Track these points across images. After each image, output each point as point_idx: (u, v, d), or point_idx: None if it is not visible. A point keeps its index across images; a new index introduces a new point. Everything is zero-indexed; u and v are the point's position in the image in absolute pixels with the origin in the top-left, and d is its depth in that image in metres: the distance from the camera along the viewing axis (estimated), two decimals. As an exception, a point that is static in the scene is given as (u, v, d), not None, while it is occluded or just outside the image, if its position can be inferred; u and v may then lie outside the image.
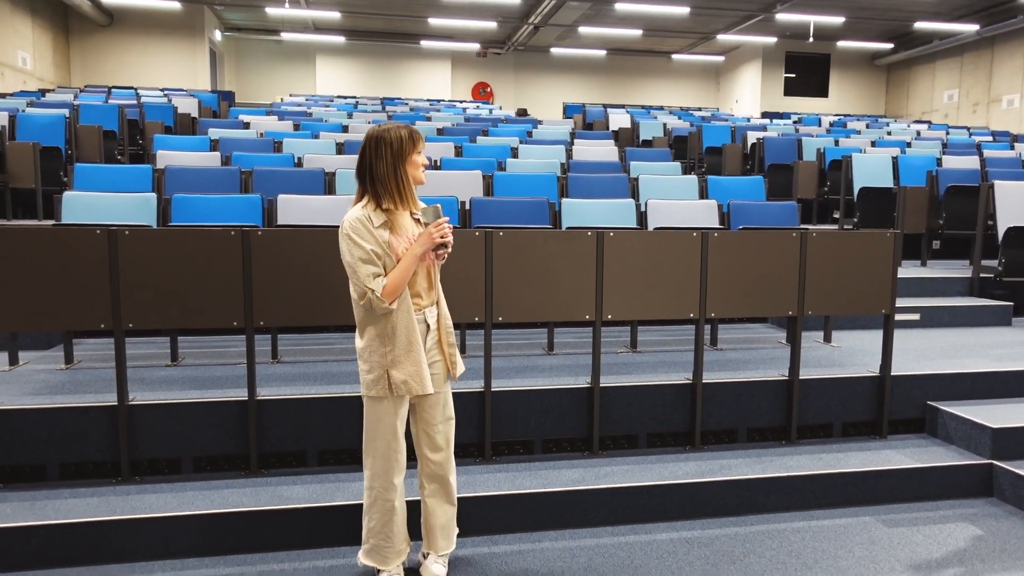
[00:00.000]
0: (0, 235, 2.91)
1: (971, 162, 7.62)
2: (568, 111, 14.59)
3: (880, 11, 15.60)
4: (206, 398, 3.23)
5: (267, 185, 5.02)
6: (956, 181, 6.50)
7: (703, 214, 4.85)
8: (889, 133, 11.24)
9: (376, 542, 2.52)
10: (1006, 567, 2.79)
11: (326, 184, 5.24)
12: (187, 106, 10.50)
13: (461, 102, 15.97)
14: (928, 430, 3.84)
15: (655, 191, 5.48)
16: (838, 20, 16.09)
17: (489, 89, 20.87)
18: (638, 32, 17.75)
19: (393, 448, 2.47)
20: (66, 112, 7.51)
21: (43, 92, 11.72)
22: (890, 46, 18.47)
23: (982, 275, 5.72)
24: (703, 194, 5.58)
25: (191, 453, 3.19)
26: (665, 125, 10.88)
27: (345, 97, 15.45)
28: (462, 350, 4.23)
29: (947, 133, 11.69)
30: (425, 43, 18.93)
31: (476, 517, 2.98)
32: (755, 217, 4.82)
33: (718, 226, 4.82)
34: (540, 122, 10.95)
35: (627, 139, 11.08)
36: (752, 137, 9.19)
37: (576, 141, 8.46)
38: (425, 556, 2.65)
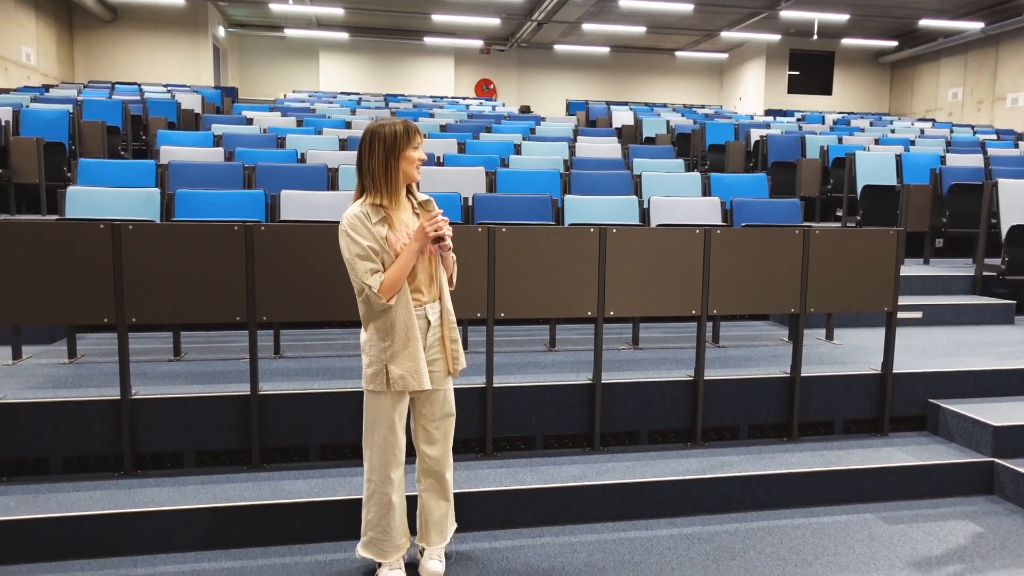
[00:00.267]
0: (5, 229, 2.92)
1: (975, 160, 7.60)
2: (571, 108, 14.58)
3: (884, 8, 15.56)
4: (208, 393, 3.24)
5: (270, 181, 5.03)
6: (960, 179, 6.49)
7: (706, 211, 4.84)
8: (893, 131, 11.22)
9: (374, 535, 2.54)
10: (1006, 564, 2.79)
11: (329, 180, 5.25)
12: (190, 102, 10.51)
13: (464, 99, 15.97)
14: (929, 428, 3.84)
15: (658, 188, 5.48)
16: (842, 18, 16.05)
17: (492, 86, 20.86)
18: (642, 29, 17.74)
19: (390, 442, 2.48)
20: (70, 108, 7.53)
21: (47, 88, 11.75)
22: (894, 44, 18.43)
23: (985, 273, 5.71)
24: (706, 191, 5.57)
25: (193, 447, 3.20)
26: (668, 122, 10.87)
27: (348, 93, 15.46)
28: (464, 346, 4.23)
29: (951, 131, 11.66)
30: (428, 40, 18.93)
31: (477, 512, 2.99)
32: (758, 214, 4.81)
33: (721, 223, 4.82)
34: (543, 119, 10.95)
35: (630, 136, 11.08)
36: (755, 135, 9.18)
37: (579, 138, 8.46)
38: (422, 551, 2.66)
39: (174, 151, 5.84)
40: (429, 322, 2.50)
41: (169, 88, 12.39)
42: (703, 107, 16.07)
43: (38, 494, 2.89)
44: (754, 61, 19.75)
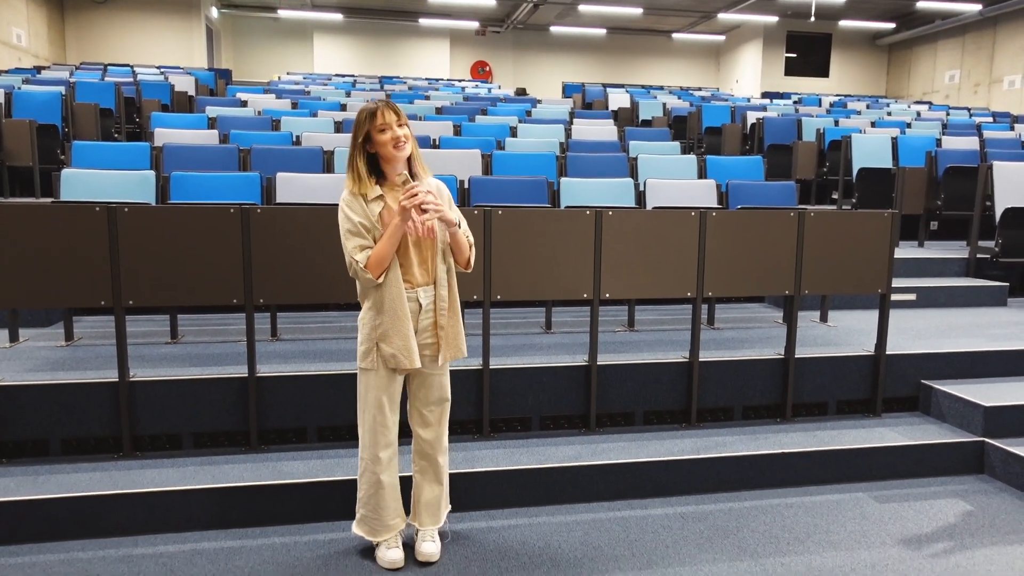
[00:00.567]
0: (1, 212, 2.92)
1: (971, 143, 7.60)
2: (567, 90, 14.51)
3: (882, -10, 15.48)
4: (206, 375, 3.26)
5: (265, 163, 5.01)
6: (955, 162, 6.50)
7: (702, 194, 4.85)
8: (889, 114, 11.19)
9: (365, 512, 2.58)
10: (995, 542, 2.84)
11: (324, 162, 5.23)
12: (184, 84, 10.44)
13: (460, 81, 15.88)
14: (922, 408, 3.88)
15: (654, 171, 5.48)
16: (840, -1, 15.97)
17: (488, 68, 20.73)
18: (638, 11, 17.62)
19: (379, 421, 2.50)
20: (62, 90, 7.47)
21: (38, 69, 11.64)
22: (892, 26, 18.36)
23: (979, 256, 5.74)
24: (702, 174, 5.58)
25: (191, 429, 3.22)
26: (665, 105, 10.84)
27: (343, 75, 15.35)
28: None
29: (947, 114, 11.65)
30: (424, 21, 18.77)
31: (474, 492, 3.02)
32: (754, 197, 4.82)
33: (716, 206, 4.83)
34: (539, 101, 10.90)
35: (626, 119, 11.04)
36: (752, 117, 9.16)
37: (575, 121, 8.43)
38: (417, 532, 2.69)
39: (168, 133, 5.81)
40: (421, 305, 2.50)
41: (162, 70, 12.29)
42: (700, 89, 16.01)
43: (37, 475, 2.91)
44: (751, 43, 19.65)
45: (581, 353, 3.73)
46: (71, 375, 3.24)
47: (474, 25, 19.64)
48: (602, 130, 7.59)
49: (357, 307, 2.60)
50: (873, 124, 9.12)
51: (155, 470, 2.99)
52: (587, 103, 12.70)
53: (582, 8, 17.39)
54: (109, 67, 12.32)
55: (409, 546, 2.67)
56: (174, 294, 3.10)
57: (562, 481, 3.11)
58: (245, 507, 2.85)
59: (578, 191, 4.72)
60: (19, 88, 7.64)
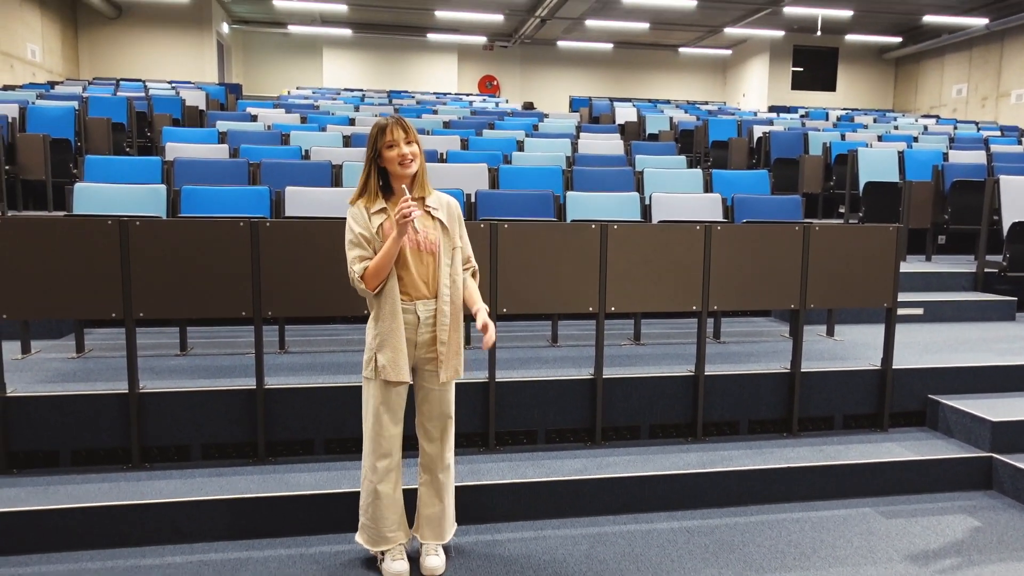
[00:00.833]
0: (15, 225, 2.97)
1: (978, 157, 7.61)
2: (574, 104, 14.59)
3: (888, 4, 15.53)
4: (215, 387, 3.28)
5: (275, 177, 5.07)
6: (962, 176, 6.50)
7: (707, 207, 4.87)
8: (896, 127, 11.21)
9: (364, 520, 2.61)
10: (1003, 558, 2.83)
11: (333, 176, 5.28)
12: (195, 99, 10.55)
13: (467, 95, 15.99)
14: (929, 423, 3.86)
15: (660, 184, 5.50)
16: (846, 14, 16.03)
17: (496, 82, 20.86)
18: (645, 25, 17.72)
19: (376, 431, 2.53)
20: (75, 104, 7.57)
21: (52, 84, 11.80)
22: (899, 40, 18.40)
23: (987, 270, 5.73)
24: (708, 188, 5.60)
25: (200, 440, 3.25)
26: (671, 119, 10.88)
27: (352, 90, 15.49)
28: (467, 341, 4.27)
29: (955, 128, 11.65)
30: (432, 36, 18.93)
31: (479, 505, 3.03)
32: (759, 211, 4.84)
33: (722, 220, 4.84)
34: (546, 116, 10.96)
35: (633, 133, 11.09)
36: (758, 131, 9.19)
37: (582, 135, 8.48)
38: (423, 546, 2.70)
39: (179, 148, 5.88)
40: (419, 318, 2.52)
41: (173, 85, 12.44)
42: (706, 103, 16.06)
43: (48, 486, 2.94)
44: (758, 57, 19.73)
45: (587, 366, 3.74)
46: (82, 387, 3.27)
47: (482, 40, 19.79)
48: (608, 144, 7.63)
49: (364, 320, 2.63)
50: (880, 138, 9.14)
51: (164, 481, 3.02)
52: (594, 117, 12.76)
53: (589, 23, 17.51)
54: (121, 82, 12.47)
55: (415, 559, 2.67)
56: (184, 307, 3.14)
57: (567, 495, 3.11)
58: (252, 518, 2.87)
59: (584, 205, 4.75)
60: (33, 103, 7.75)
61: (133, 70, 16.20)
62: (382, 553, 2.63)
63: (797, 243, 3.63)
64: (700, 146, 9.79)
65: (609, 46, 20.43)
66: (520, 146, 7.19)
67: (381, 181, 2.53)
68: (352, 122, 8.45)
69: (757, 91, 19.74)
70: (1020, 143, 9.34)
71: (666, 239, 3.51)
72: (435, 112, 10.37)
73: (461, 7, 16.35)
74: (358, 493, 2.70)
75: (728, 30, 17.82)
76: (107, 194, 4.15)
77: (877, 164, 7.23)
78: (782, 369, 3.78)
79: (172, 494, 2.88)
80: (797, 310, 3.68)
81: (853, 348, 4.32)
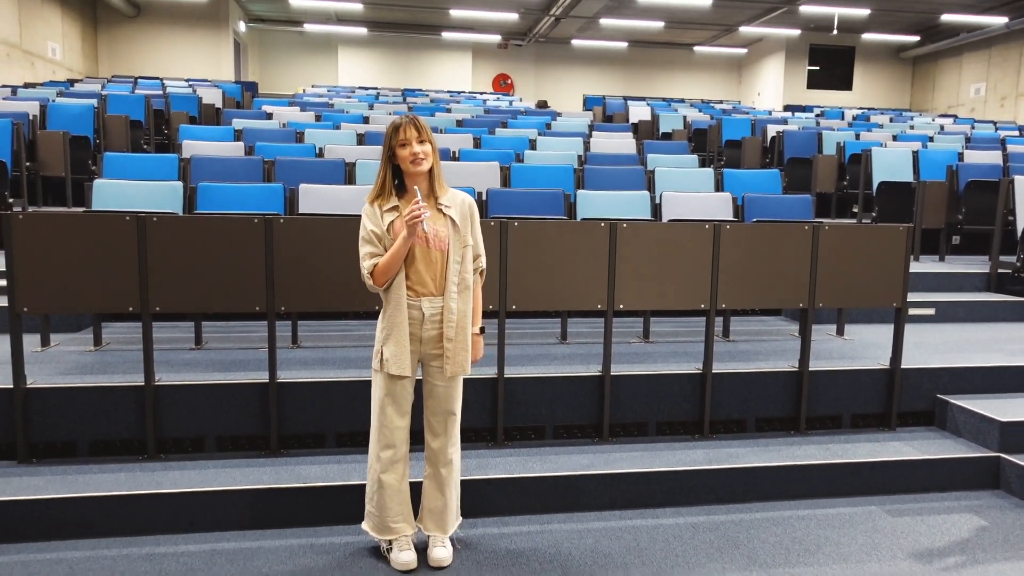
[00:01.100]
0: (36, 221, 3.04)
1: (994, 157, 7.55)
2: (588, 103, 14.59)
3: (906, 3, 15.40)
4: (229, 380, 3.35)
5: (289, 174, 5.13)
6: (977, 176, 6.46)
7: (718, 207, 4.88)
8: (912, 127, 11.13)
9: (370, 508, 2.67)
10: (1008, 557, 2.83)
11: (347, 174, 5.34)
12: (211, 96, 10.67)
13: (481, 93, 16.04)
14: (937, 423, 3.86)
15: (671, 183, 5.52)
16: (863, 12, 15.92)
17: (510, 81, 20.90)
18: (660, 24, 17.68)
19: (382, 422, 2.60)
20: (95, 102, 7.68)
21: (72, 82, 11.97)
22: (916, 39, 18.24)
23: (1000, 271, 5.70)
24: (719, 187, 5.60)
25: (214, 433, 3.31)
26: (685, 118, 10.87)
27: (366, 88, 15.59)
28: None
29: (972, 127, 11.55)
30: (446, 34, 19.00)
31: (486, 499, 3.07)
32: (770, 210, 4.84)
33: (732, 219, 4.85)
34: (559, 114, 10.99)
35: (647, 132, 11.09)
36: (772, 130, 9.16)
37: (594, 133, 8.49)
38: (429, 537, 2.75)
39: (196, 145, 5.96)
40: (424, 314, 2.56)
41: (190, 83, 12.57)
42: (721, 102, 16.01)
43: (66, 475, 3.01)
44: (773, 56, 19.62)
45: (595, 363, 3.77)
46: (99, 379, 3.35)
47: (496, 39, 19.83)
48: (621, 143, 7.65)
49: (375, 316, 2.68)
50: (895, 138, 9.08)
51: (178, 472, 3.08)
52: (608, 116, 12.76)
53: (603, 22, 17.50)
54: (139, 80, 12.63)
55: (423, 551, 2.72)
56: (199, 301, 3.21)
57: (574, 489, 3.15)
58: (264, 509, 2.93)
59: (594, 203, 4.78)
60: (53, 101, 7.88)
61: (151, 68, 16.39)
62: (389, 543, 2.68)
63: (806, 242, 3.64)
64: (713, 145, 9.78)
65: (624, 45, 20.40)
66: (532, 145, 7.23)
67: (396, 179, 2.58)
68: (366, 120, 8.51)
69: (772, 90, 19.64)
70: (1038, 143, 9.24)
71: (675, 238, 3.53)
72: (449, 110, 10.42)
73: (476, 6, 16.40)
74: (366, 485, 2.75)
75: (743, 29, 17.74)
76: (125, 190, 4.23)
77: (891, 164, 7.19)
78: (790, 368, 3.79)
79: (187, 485, 2.95)
80: (806, 309, 3.69)
81: (863, 347, 4.33)
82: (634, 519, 3.08)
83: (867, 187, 7.18)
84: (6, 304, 4.23)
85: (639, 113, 12.08)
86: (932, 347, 4.40)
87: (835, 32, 17.47)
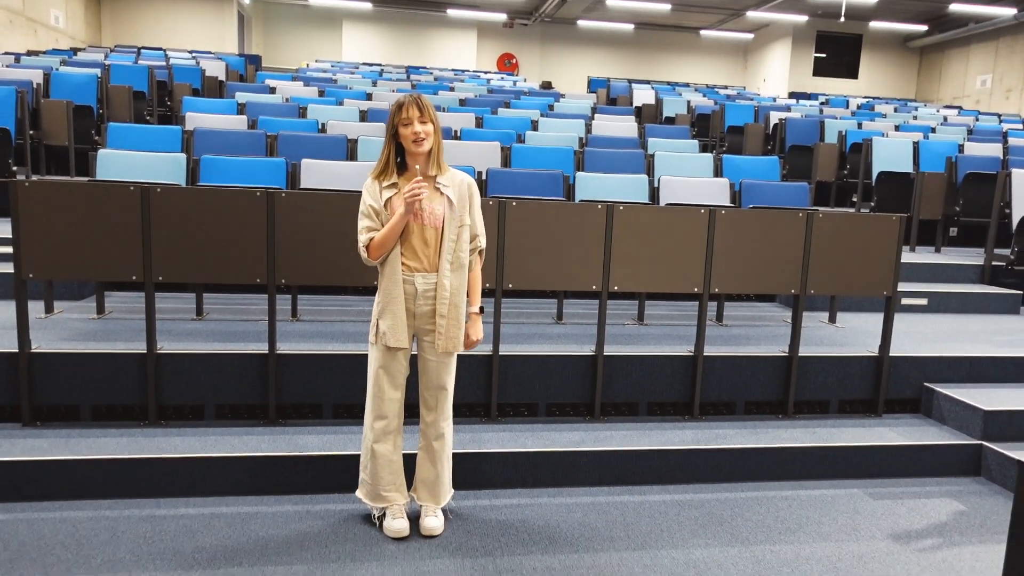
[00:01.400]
0: (42, 188, 3.09)
1: (994, 150, 7.57)
2: (592, 85, 14.55)
3: (915, -8, 15.31)
4: (229, 350, 3.41)
5: (291, 149, 5.17)
6: (976, 168, 6.49)
7: (715, 192, 4.92)
8: (915, 118, 11.13)
9: (363, 476, 2.76)
10: (983, 540, 2.92)
11: (348, 150, 5.37)
12: (215, 69, 10.64)
13: (486, 73, 15.97)
14: (923, 411, 3.94)
15: (670, 168, 5.55)
16: (871, 0, 15.81)
17: (514, 60, 20.78)
18: (666, 6, 17.56)
19: (375, 393, 2.68)
20: (98, 72, 7.68)
21: (74, 51, 11.92)
22: (924, 28, 18.13)
23: (994, 263, 5.75)
24: (718, 172, 5.64)
25: (214, 401, 3.38)
26: (689, 102, 10.86)
27: (370, 64, 15.52)
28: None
29: (976, 119, 11.54)
30: (452, 12, 18.87)
31: (479, 472, 3.15)
32: (767, 197, 4.89)
33: (729, 204, 4.90)
34: (562, 96, 10.97)
35: (650, 115, 11.08)
36: (775, 117, 9.17)
37: (596, 116, 8.50)
38: (421, 507, 2.83)
39: (199, 118, 5.99)
40: (417, 289, 2.62)
41: (194, 54, 12.53)
42: (726, 88, 15.96)
43: (69, 438, 3.09)
44: (780, 42, 19.52)
45: (590, 344, 3.84)
46: (102, 345, 3.41)
47: (502, 17, 19.69)
48: (622, 126, 7.66)
49: (374, 291, 2.74)
50: (897, 128, 9.09)
51: (178, 438, 3.16)
52: (612, 98, 12.74)
53: (610, 3, 17.37)
54: (142, 50, 12.57)
55: (415, 520, 2.80)
56: (201, 272, 3.26)
57: (564, 465, 3.22)
58: (262, 476, 3.01)
59: (593, 186, 4.82)
60: (57, 69, 7.87)
61: (154, 38, 16.30)
62: (383, 511, 2.76)
63: (800, 230, 3.69)
64: (716, 131, 9.78)
65: (630, 27, 20.27)
66: (534, 126, 7.25)
67: (399, 157, 2.63)
68: (369, 97, 8.52)
69: (778, 76, 19.56)
70: (1039, 137, 9.24)
71: (671, 221, 3.58)
72: (452, 89, 10.40)
73: (482, -17, 16.27)
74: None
75: (751, 14, 17.63)
76: (129, 161, 4.27)
77: (892, 154, 7.22)
78: (780, 353, 3.86)
79: (187, 450, 3.02)
80: (797, 295, 3.76)
81: (853, 335, 4.39)
82: (622, 495, 3.17)
83: (867, 177, 7.21)
84: (9, 271, 4.30)
85: (643, 96, 12.05)
86: (922, 336, 4.47)
87: (842, 19, 17.37)
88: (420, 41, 19.69)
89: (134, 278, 3.20)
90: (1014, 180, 5.78)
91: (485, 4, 18.49)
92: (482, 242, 2.76)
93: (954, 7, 15.82)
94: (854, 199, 7.78)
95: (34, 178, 5.85)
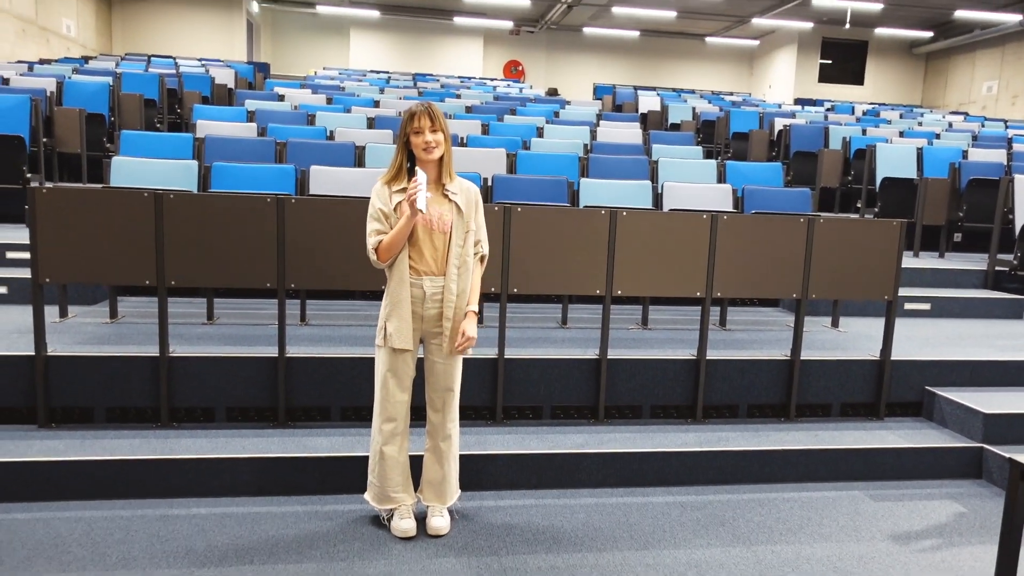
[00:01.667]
0: (59, 195, 3.17)
1: (997, 155, 7.60)
2: (598, 92, 14.62)
3: (920, -2, 15.35)
4: (240, 354, 3.48)
5: (300, 156, 5.25)
6: (979, 174, 6.52)
7: (718, 198, 4.98)
8: (920, 124, 11.15)
9: (372, 479, 2.81)
10: (982, 540, 2.95)
11: (356, 157, 5.45)
12: (224, 77, 10.76)
13: (492, 80, 16.07)
14: (925, 414, 3.97)
15: (673, 174, 5.61)
16: (876, 6, 15.86)
17: (521, 67, 20.90)
18: (672, 14, 17.65)
19: (383, 396, 2.74)
20: (110, 80, 7.80)
21: (86, 59, 12.08)
22: (929, 34, 18.14)
23: (997, 268, 5.78)
24: (721, 179, 5.69)
25: (224, 404, 3.45)
26: (694, 109, 10.91)
27: (377, 72, 15.63)
28: (479, 320, 4.43)
29: (982, 125, 11.55)
30: (458, 19, 19.00)
31: (484, 473, 3.20)
32: (769, 202, 4.94)
33: (731, 210, 4.95)
34: (568, 103, 11.05)
35: (656, 122, 11.13)
36: (779, 124, 9.22)
37: (601, 123, 8.57)
38: (427, 508, 2.88)
39: (209, 125, 6.08)
40: (425, 292, 2.69)
41: (203, 62, 12.66)
42: (732, 94, 16.01)
43: (84, 440, 3.16)
44: (785, 49, 19.57)
45: (594, 347, 3.89)
46: (116, 349, 3.49)
47: (508, 25, 19.82)
48: (627, 133, 7.73)
49: (380, 296, 2.80)
50: (901, 134, 9.12)
51: (190, 439, 3.22)
52: (617, 105, 12.80)
53: (615, 10, 17.47)
54: (152, 58, 12.72)
55: (422, 520, 2.86)
56: (213, 276, 3.33)
57: (568, 467, 3.27)
58: (271, 477, 3.07)
59: (597, 192, 4.88)
60: (70, 78, 7.99)
61: (164, 46, 16.49)
62: (390, 512, 2.82)
63: (801, 235, 3.74)
64: (721, 137, 9.83)
65: (636, 34, 20.36)
66: (540, 133, 7.31)
67: (410, 163, 2.71)
68: (376, 104, 8.61)
69: (784, 83, 19.60)
70: (1044, 143, 9.26)
71: (673, 227, 3.63)
72: (458, 96, 10.49)
73: (488, -9, 16.40)
74: (369, 456, 2.89)
75: (756, 20, 17.69)
76: (142, 168, 4.35)
77: (895, 160, 7.25)
78: (782, 356, 3.90)
79: (198, 452, 3.09)
80: (799, 299, 3.80)
81: (855, 339, 4.43)
82: (625, 496, 3.21)
83: (871, 183, 7.25)
84: (18, 276, 4.39)
85: (649, 103, 12.11)
86: (924, 340, 4.50)
87: (848, 26, 17.41)
88: (427, 48, 19.83)
89: (147, 282, 3.28)
90: (1017, 186, 5.81)
91: (492, 12, 18.62)
92: (484, 248, 2.83)
93: (959, 14, 15.85)
94: (858, 205, 7.81)
95: (49, 185, 5.95)
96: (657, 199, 5.02)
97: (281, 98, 8.69)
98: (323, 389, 3.51)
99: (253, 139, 5.51)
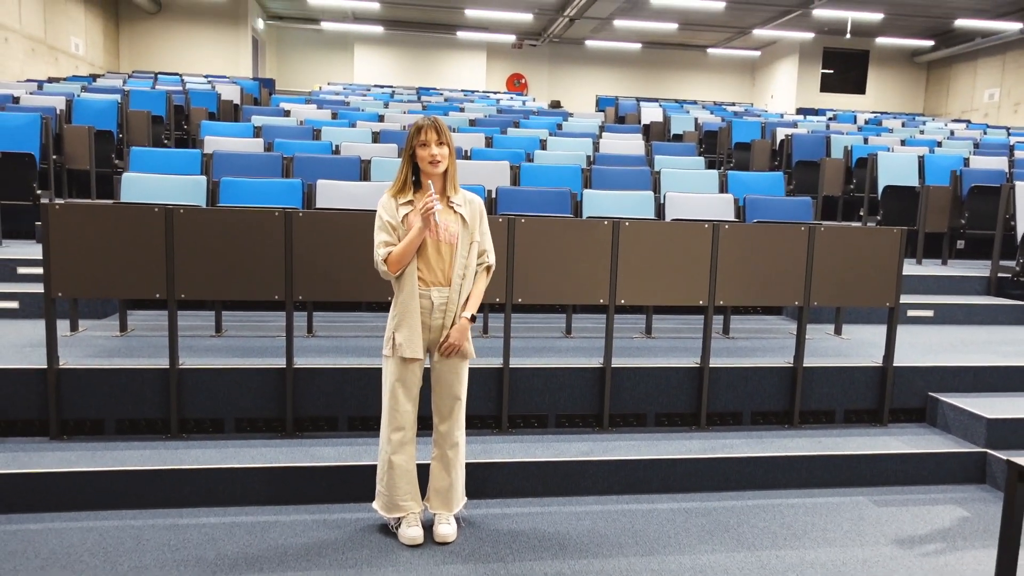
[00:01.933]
0: (71, 211, 3.23)
1: (999, 163, 7.63)
2: (601, 104, 14.71)
3: (920, 8, 15.42)
4: (248, 365, 3.53)
5: (307, 171, 5.32)
6: (981, 181, 6.56)
7: (720, 207, 5.02)
8: (922, 132, 11.20)
9: (380, 488, 2.84)
10: (986, 545, 2.96)
11: (362, 171, 5.52)
12: (230, 93, 10.88)
13: (495, 93, 16.20)
14: (928, 420, 3.99)
15: (676, 184, 5.66)
16: (877, 16, 15.95)
17: (524, 80, 21.05)
18: (674, 26, 17.79)
19: (392, 405, 2.77)
20: (118, 98, 7.91)
21: (94, 77, 12.23)
22: (930, 43, 18.23)
23: (1000, 275, 5.80)
24: (723, 188, 5.74)
25: (233, 414, 3.49)
26: (696, 120, 10.98)
27: (382, 86, 15.77)
28: (484, 330, 4.48)
29: (984, 133, 11.59)
30: (461, 34, 19.18)
31: (491, 481, 3.23)
32: (770, 211, 4.98)
33: (733, 219, 4.99)
34: (571, 115, 11.13)
35: (658, 133, 11.21)
36: (781, 133, 9.27)
37: (604, 134, 8.63)
38: (435, 515, 2.91)
39: (217, 141, 6.16)
40: (433, 303, 2.74)
41: (209, 79, 12.81)
42: (734, 104, 16.09)
43: (95, 451, 3.20)
44: (787, 59, 19.67)
45: (598, 356, 3.93)
46: (126, 361, 3.54)
47: (510, 38, 19.99)
48: (630, 144, 7.79)
49: (387, 307, 2.85)
50: (903, 142, 9.16)
51: (199, 450, 3.26)
52: (620, 116, 12.89)
53: (617, 23, 17.61)
54: (159, 75, 12.88)
55: (429, 528, 2.89)
56: (222, 289, 3.39)
57: (574, 474, 3.30)
58: (280, 486, 3.11)
59: (600, 202, 4.93)
60: (79, 96, 8.11)
61: (170, 63, 16.68)
62: (398, 520, 2.85)
63: (802, 243, 3.78)
64: (723, 147, 9.89)
65: (637, 46, 20.51)
66: (543, 145, 7.38)
67: (415, 176, 2.76)
68: (381, 119, 8.70)
69: (786, 93, 19.69)
70: (1046, 149, 9.28)
71: (676, 236, 3.68)
72: (462, 110, 10.58)
73: (491, 6, 16.56)
74: (377, 466, 2.92)
75: (757, 31, 17.81)
76: (152, 184, 4.42)
77: (897, 168, 7.29)
78: (785, 364, 3.93)
79: (208, 462, 3.13)
80: (801, 307, 3.83)
81: (858, 346, 4.45)
82: (630, 504, 3.24)
83: (873, 191, 7.28)
84: (29, 291, 4.46)
85: (651, 114, 12.19)
86: (927, 347, 4.52)
87: (849, 36, 17.51)
88: (430, 62, 20.00)
89: (158, 296, 3.33)
90: (1018, 193, 5.84)
91: (494, 26, 18.79)
92: (490, 258, 2.87)
93: (960, 22, 15.93)
94: (860, 213, 7.84)
95: (60, 201, 6.03)
96: (660, 209, 5.06)
97: (287, 113, 8.79)
98: (330, 399, 3.55)
99: (260, 154, 5.58)
